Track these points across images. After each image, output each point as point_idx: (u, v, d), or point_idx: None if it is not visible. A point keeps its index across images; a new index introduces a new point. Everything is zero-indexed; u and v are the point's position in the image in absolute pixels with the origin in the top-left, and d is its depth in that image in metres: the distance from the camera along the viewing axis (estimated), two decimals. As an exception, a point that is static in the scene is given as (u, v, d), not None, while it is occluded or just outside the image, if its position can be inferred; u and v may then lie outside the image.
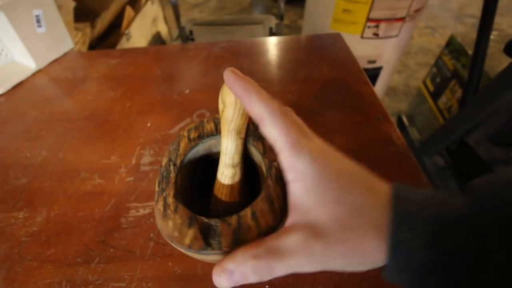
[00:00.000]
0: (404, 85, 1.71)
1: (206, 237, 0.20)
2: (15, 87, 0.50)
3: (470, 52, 1.32)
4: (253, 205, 0.21)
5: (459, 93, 1.39)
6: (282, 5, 1.08)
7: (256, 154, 0.25)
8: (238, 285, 0.16)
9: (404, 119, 1.55)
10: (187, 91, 0.47)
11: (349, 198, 0.16)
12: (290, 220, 0.18)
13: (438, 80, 1.53)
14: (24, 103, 0.47)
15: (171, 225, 0.20)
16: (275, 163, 0.23)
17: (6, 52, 0.53)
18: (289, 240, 0.16)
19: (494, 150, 1.15)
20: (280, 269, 0.16)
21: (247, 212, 0.20)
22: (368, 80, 0.47)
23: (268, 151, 0.24)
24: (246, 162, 0.28)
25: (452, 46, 1.47)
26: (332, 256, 0.16)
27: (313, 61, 0.52)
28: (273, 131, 0.17)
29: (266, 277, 0.16)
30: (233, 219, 0.20)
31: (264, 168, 0.24)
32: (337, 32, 0.58)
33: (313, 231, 0.16)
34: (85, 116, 0.44)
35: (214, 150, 0.27)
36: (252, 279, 0.16)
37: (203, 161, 0.27)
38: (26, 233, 0.31)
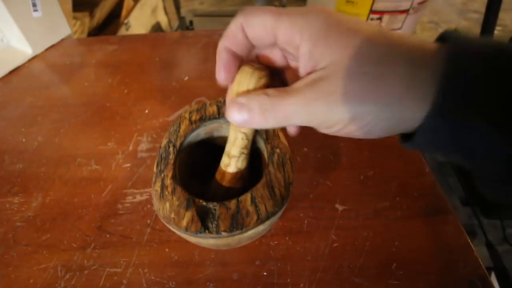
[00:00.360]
0: (405, 80, 1.69)
1: (203, 220, 0.19)
2: (11, 72, 0.49)
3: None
4: (253, 190, 0.20)
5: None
6: (284, -5, 1.06)
7: (258, 141, 0.25)
8: (247, 123, 0.16)
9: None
10: (186, 78, 0.46)
11: (368, 42, 0.13)
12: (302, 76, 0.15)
13: (440, 75, 1.52)
14: (20, 88, 0.47)
15: (168, 206, 0.20)
16: (277, 150, 0.23)
17: (1, 37, 0.52)
18: (298, 83, 0.14)
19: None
20: (284, 107, 0.14)
21: (246, 197, 0.20)
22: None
23: (271, 137, 0.24)
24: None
25: (455, 41, 1.46)
26: (343, 99, 0.13)
27: (315, 50, 0.51)
28: (256, 20, 0.15)
29: (270, 118, 0.15)
30: (232, 203, 0.20)
31: (266, 155, 0.23)
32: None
33: (324, 74, 0.13)
34: (82, 102, 0.43)
35: (216, 134, 0.27)
36: (257, 116, 0.15)
37: (204, 145, 0.27)
38: (21, 218, 0.30)
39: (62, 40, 0.56)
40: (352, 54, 0.13)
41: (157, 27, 1.43)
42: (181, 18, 1.15)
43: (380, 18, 1.01)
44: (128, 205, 0.31)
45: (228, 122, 0.25)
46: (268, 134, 0.24)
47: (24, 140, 0.38)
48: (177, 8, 1.14)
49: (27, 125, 0.40)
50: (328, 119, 0.14)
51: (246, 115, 0.15)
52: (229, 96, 0.18)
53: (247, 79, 0.17)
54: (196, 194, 0.21)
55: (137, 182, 0.33)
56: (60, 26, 0.56)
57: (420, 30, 2.04)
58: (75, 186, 0.33)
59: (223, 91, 0.47)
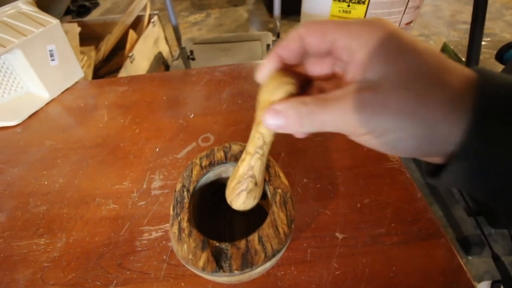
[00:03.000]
0: (401, 93, 1.73)
1: (218, 260, 0.22)
2: (31, 116, 0.54)
3: (464, 58, 1.35)
4: (260, 230, 0.23)
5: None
6: (278, 23, 1.13)
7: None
8: (282, 128, 0.16)
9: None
10: (191, 115, 0.50)
11: (420, 60, 0.13)
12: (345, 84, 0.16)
13: (434, 87, 1.57)
14: (40, 132, 0.50)
15: (185, 248, 0.23)
16: (279, 190, 0.26)
17: (22, 85, 0.56)
18: (338, 91, 0.15)
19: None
20: (321, 117, 0.15)
21: (254, 237, 0.23)
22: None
23: (273, 178, 0.27)
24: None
25: (445, 53, 1.51)
26: (382, 111, 0.13)
27: (310, 82, 0.55)
28: (318, 27, 0.16)
29: (306, 124, 0.15)
30: (242, 243, 0.22)
31: (269, 195, 0.26)
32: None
33: (368, 84, 0.14)
34: (98, 143, 0.47)
35: (224, 175, 0.30)
36: (293, 123, 0.16)
37: (213, 185, 0.30)
38: (48, 259, 0.33)
39: (76, 83, 0.61)
40: (404, 69, 0.13)
41: (159, 57, 1.50)
42: (182, 48, 1.21)
43: (370, 40, 1.06)
44: (145, 242, 0.33)
45: (234, 165, 0.28)
46: (270, 176, 0.27)
47: (46, 182, 0.41)
48: (178, 39, 1.21)
49: (48, 168, 0.44)
50: (363, 128, 0.14)
51: (282, 121, 0.16)
52: (261, 103, 0.18)
53: (275, 83, 0.17)
54: (208, 230, 0.24)
55: (152, 219, 0.36)
56: (74, 71, 0.61)
57: (412, 43, 2.11)
58: (96, 225, 0.36)
59: (227, 126, 0.50)
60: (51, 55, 0.55)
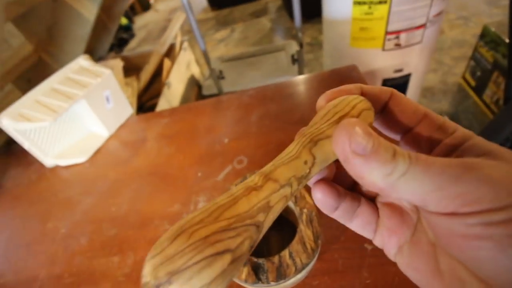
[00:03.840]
0: (441, 83, 1.63)
1: (257, 273, 0.26)
2: (95, 153, 0.64)
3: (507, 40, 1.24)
4: (290, 247, 0.27)
5: (504, 84, 1.30)
6: (299, 34, 1.16)
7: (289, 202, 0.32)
8: (362, 158, 0.11)
9: (447, 119, 1.47)
10: (226, 140, 0.56)
11: None
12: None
13: (478, 73, 1.45)
14: (104, 165, 0.60)
15: (230, 265, 0.27)
16: (305, 210, 0.30)
17: (85, 126, 0.68)
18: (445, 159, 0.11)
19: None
20: (419, 172, 0.11)
21: (285, 253, 0.27)
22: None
23: (298, 200, 0.31)
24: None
25: (487, 37, 1.40)
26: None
27: (332, 96, 0.57)
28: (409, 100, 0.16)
29: (396, 170, 0.11)
30: (276, 258, 0.27)
31: (296, 213, 0.30)
32: (353, 64, 0.63)
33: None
34: (151, 171, 0.55)
35: None
36: (381, 160, 0.11)
37: None
38: (122, 274, 0.40)
39: (127, 119, 0.71)
40: None
41: (192, 79, 1.63)
42: (212, 70, 1.30)
43: (397, 37, 1.04)
44: (197, 257, 0.39)
45: None
46: (296, 198, 0.31)
47: (114, 209, 0.50)
48: (207, 61, 1.30)
49: (114, 197, 0.52)
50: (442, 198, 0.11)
51: (369, 146, 0.11)
52: (326, 115, 0.14)
53: (355, 104, 0.13)
54: None
55: (201, 237, 0.41)
56: (125, 109, 0.71)
57: (448, 28, 1.98)
58: (156, 244, 0.43)
59: (257, 148, 0.55)
60: (107, 99, 0.65)
